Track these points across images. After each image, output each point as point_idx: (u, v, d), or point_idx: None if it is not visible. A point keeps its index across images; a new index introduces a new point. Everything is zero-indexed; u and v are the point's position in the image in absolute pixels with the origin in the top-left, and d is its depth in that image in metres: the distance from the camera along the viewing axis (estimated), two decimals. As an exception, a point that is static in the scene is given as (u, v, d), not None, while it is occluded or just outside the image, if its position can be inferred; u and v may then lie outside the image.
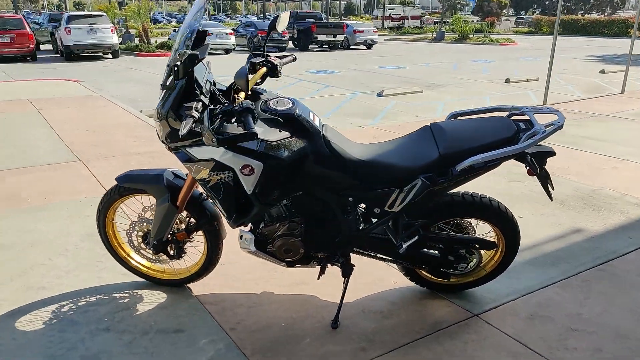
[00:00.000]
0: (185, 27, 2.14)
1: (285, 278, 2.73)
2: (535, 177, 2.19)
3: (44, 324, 2.32)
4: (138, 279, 2.68)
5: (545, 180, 2.23)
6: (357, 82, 11.12)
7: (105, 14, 17.80)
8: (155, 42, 20.36)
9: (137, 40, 20.29)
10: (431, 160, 2.13)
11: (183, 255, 2.54)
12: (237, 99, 2.05)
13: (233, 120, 1.90)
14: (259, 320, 2.40)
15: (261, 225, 2.30)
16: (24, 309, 2.43)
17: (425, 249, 2.39)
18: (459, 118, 2.43)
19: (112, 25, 17.13)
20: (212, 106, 1.97)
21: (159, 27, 38.11)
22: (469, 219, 2.39)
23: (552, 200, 2.30)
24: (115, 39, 16.88)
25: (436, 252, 2.39)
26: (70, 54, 16.20)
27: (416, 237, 2.26)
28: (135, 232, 2.54)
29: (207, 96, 2.05)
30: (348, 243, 2.32)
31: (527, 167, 2.16)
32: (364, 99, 8.96)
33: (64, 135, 5.85)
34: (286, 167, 2.04)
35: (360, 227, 2.31)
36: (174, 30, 24.71)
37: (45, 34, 19.74)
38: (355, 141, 2.30)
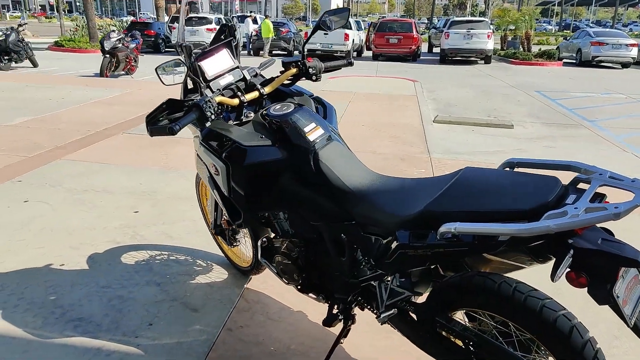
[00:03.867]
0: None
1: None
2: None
3: (133, 262, 2.89)
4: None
5: (605, 299, 1.22)
6: None
7: (486, 19, 18.12)
8: (539, 50, 19.39)
9: (520, 48, 19.87)
10: (414, 213, 1.52)
11: (235, 243, 2.63)
12: (239, 96, 1.97)
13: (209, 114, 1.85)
14: (259, 334, 2.28)
15: (272, 234, 2.19)
16: (129, 246, 3.07)
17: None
18: (516, 169, 1.66)
19: (490, 30, 17.29)
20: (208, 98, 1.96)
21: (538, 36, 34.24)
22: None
23: (629, 326, 1.25)
24: (490, 45, 17.04)
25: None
26: (445, 57, 17.38)
27: (393, 311, 1.69)
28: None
29: (216, 90, 2.04)
30: (343, 287, 1.92)
31: (563, 270, 1.24)
32: None
33: (342, 126, 6.56)
34: (254, 176, 1.85)
35: (356, 274, 1.87)
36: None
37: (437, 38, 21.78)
38: (375, 171, 1.84)
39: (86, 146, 5.16)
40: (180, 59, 1.86)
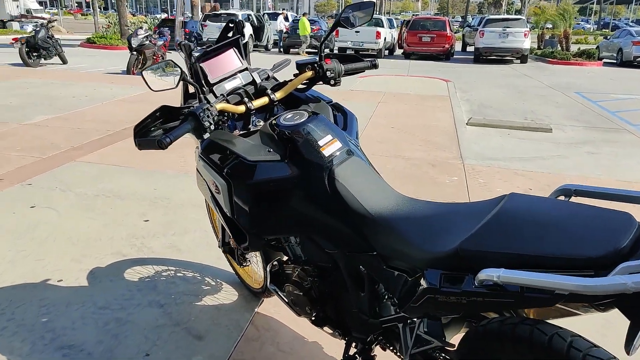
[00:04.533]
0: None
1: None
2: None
3: (136, 278, 2.65)
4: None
5: None
6: None
7: (522, 17, 17.43)
8: (578, 49, 18.56)
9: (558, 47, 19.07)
10: (446, 251, 1.21)
11: (245, 264, 2.37)
12: (246, 103, 1.70)
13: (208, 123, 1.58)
14: (266, 370, 2.02)
15: (285, 258, 1.93)
16: (134, 260, 2.84)
17: None
18: (572, 199, 1.32)
19: (527, 29, 16.60)
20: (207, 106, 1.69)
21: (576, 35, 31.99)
22: None
23: None
24: (526, 44, 16.37)
25: None
26: (479, 56, 16.78)
27: None
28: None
29: (219, 96, 1.77)
30: (361, 325, 1.64)
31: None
32: None
33: (370, 127, 6.24)
34: (259, 196, 1.58)
35: (377, 312, 1.59)
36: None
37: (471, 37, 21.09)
38: (400, 194, 1.54)
39: (104, 147, 4.99)
40: (172, 61, 1.59)
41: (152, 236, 3.08)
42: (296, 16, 20.17)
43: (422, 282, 1.26)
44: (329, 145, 1.53)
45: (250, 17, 19.18)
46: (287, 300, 1.87)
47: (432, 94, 9.02)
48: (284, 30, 18.47)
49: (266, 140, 1.61)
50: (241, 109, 1.67)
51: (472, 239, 1.16)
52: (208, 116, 1.52)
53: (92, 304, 2.39)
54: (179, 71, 1.52)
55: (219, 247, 2.36)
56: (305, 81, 1.82)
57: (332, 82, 1.78)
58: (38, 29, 11.10)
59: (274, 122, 1.64)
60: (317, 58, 1.80)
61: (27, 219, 3.27)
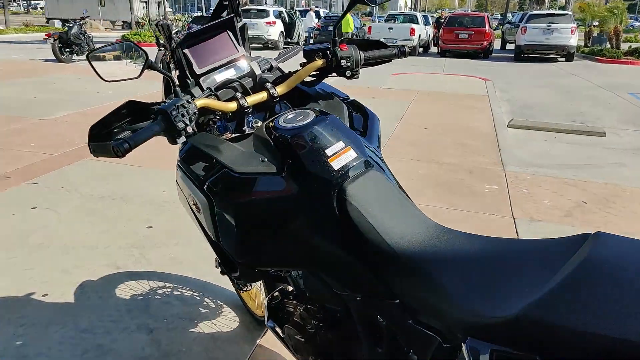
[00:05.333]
0: None
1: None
2: None
3: (128, 295, 2.35)
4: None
5: None
6: None
7: (569, 13, 16.51)
8: (629, 47, 17.48)
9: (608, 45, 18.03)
10: (500, 317, 0.83)
11: (245, 288, 2.05)
12: (238, 99, 1.35)
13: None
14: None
15: (290, 288, 1.59)
16: (129, 273, 2.54)
17: None
18: None
19: (574, 25, 15.70)
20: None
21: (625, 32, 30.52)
22: None
23: None
24: (573, 41, 15.47)
25: None
26: (520, 54, 15.99)
27: None
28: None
29: (206, 90, 1.43)
30: None
31: None
32: None
33: (401, 128, 5.82)
34: (249, 218, 1.23)
35: None
36: None
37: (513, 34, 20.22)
38: (433, 221, 1.16)
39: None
40: (133, 42, 1.26)
41: (152, 246, 2.79)
42: (327, 13, 19.71)
43: (463, 353, 0.88)
44: (341, 155, 1.17)
45: (282, 13, 18.88)
46: (287, 344, 1.53)
47: (469, 93, 8.50)
48: (315, 26, 18.09)
49: (260, 147, 1.26)
50: (231, 106, 1.33)
51: (542, 303, 0.77)
52: (183, 115, 1.19)
53: (74, 326, 2.10)
54: (144, 56, 1.18)
55: (216, 267, 2.04)
56: (315, 72, 1.46)
57: (348, 73, 1.41)
58: (71, 25, 11.12)
59: (271, 123, 1.29)
60: (330, 44, 1.44)
61: (25, 222, 3.04)
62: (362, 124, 1.43)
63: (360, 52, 1.43)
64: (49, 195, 3.47)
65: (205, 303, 2.30)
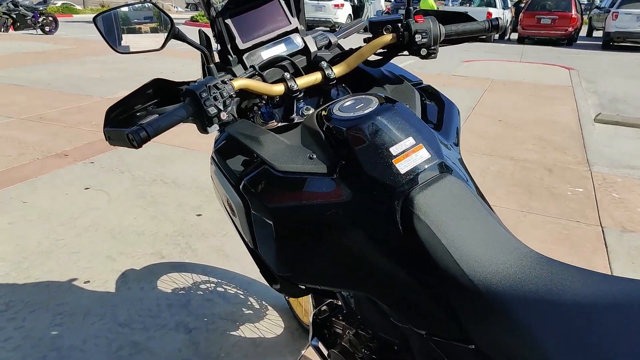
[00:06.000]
0: None
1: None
2: None
3: (170, 289, 2.21)
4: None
5: None
6: None
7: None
8: None
9: None
10: None
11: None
12: (286, 80, 1.12)
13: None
14: None
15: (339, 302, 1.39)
16: (173, 264, 2.40)
17: None
18: None
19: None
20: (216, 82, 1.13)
21: None
22: None
23: None
24: (671, 29, 13.97)
25: None
26: (610, 42, 14.65)
27: None
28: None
29: (249, 68, 1.20)
30: None
31: None
32: None
33: (472, 120, 5.38)
34: (290, 226, 1.00)
35: None
36: None
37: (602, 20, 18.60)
38: (527, 246, 0.89)
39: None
40: (154, 4, 1.04)
41: (200, 235, 2.64)
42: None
43: None
44: (409, 155, 0.92)
45: (351, -5, 18.43)
46: None
47: (550, 84, 7.82)
48: (384, 10, 17.47)
49: (309, 141, 1.02)
50: (277, 89, 1.10)
51: None
52: (216, 98, 0.97)
53: (112, 319, 1.98)
54: (169, 23, 0.97)
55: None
56: (381, 49, 1.20)
57: (424, 51, 1.14)
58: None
59: (323, 112, 1.05)
60: (403, 15, 1.17)
61: (77, 203, 2.99)
62: (436, 115, 1.15)
63: (440, 25, 1.15)
64: (102, 175, 3.43)
65: (249, 303, 2.11)
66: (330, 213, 0.93)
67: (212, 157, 1.15)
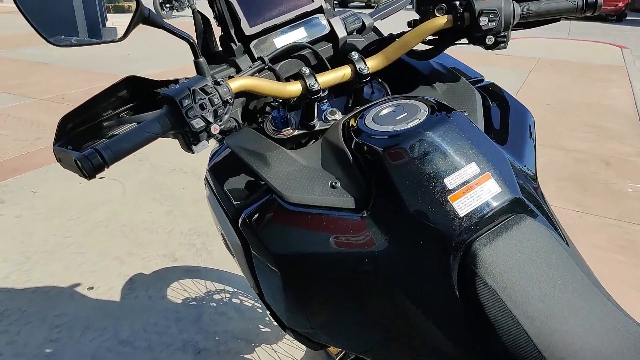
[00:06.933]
0: None
1: None
2: None
3: (180, 299, 1.99)
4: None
5: None
6: None
7: None
8: None
9: None
10: None
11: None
12: (305, 76, 0.84)
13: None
14: None
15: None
16: (187, 269, 2.17)
17: None
18: None
19: None
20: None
21: None
22: None
23: None
24: None
25: None
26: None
27: None
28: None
29: (257, 61, 0.91)
30: None
31: None
32: None
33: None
34: (298, 277, 0.74)
35: None
36: None
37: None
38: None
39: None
40: None
41: (217, 235, 2.41)
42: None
43: None
44: (473, 188, 0.66)
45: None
46: None
47: (601, 63, 7.23)
48: None
49: (332, 161, 0.76)
50: (291, 89, 0.83)
51: None
52: (203, 106, 0.71)
53: (114, 335, 1.78)
54: (135, 4, 0.70)
55: None
56: (432, 36, 0.91)
57: (490, 39, 0.83)
58: (172, -20, 11.13)
59: (352, 121, 0.78)
60: None
61: (90, 194, 2.80)
62: (503, 124, 0.86)
63: (515, 3, 0.84)
64: (119, 163, 3.23)
65: (266, 320, 1.88)
66: (357, 266, 0.67)
67: (205, 177, 0.89)
